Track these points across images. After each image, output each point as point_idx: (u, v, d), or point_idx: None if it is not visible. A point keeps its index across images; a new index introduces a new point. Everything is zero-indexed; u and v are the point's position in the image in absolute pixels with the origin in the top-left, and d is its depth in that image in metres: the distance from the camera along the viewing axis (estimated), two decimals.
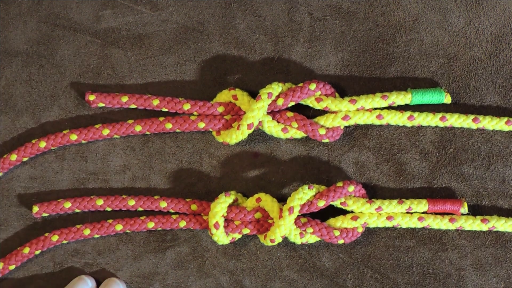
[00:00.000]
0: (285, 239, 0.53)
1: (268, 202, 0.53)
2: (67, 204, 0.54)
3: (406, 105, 0.54)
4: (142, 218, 0.54)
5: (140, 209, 0.54)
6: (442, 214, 0.54)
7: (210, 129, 0.54)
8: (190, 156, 0.55)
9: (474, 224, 0.53)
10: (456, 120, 0.53)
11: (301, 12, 0.55)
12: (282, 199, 0.54)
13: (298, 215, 0.53)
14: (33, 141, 0.54)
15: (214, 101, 0.54)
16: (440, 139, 0.55)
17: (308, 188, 0.52)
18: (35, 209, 0.54)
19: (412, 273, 0.54)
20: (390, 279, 0.54)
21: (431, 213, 0.53)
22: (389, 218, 0.53)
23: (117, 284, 0.54)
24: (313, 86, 0.53)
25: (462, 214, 0.53)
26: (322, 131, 0.53)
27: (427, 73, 0.55)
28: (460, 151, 0.55)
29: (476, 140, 0.55)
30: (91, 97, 0.54)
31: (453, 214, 0.53)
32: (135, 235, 0.55)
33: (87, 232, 0.54)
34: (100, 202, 0.54)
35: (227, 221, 0.53)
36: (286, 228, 0.51)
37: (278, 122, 0.53)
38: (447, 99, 0.54)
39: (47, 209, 0.54)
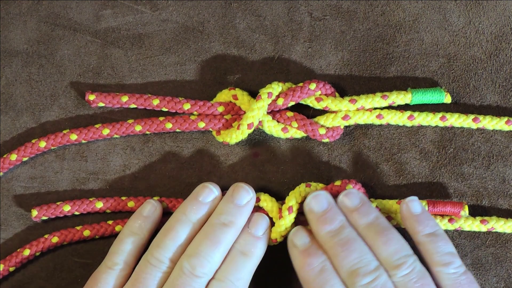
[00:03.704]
0: (285, 239, 0.53)
1: (267, 202, 0.53)
2: (67, 207, 0.54)
3: (406, 104, 0.54)
4: None
5: None
6: (442, 215, 0.53)
7: (210, 129, 0.54)
8: (190, 156, 0.55)
9: (474, 225, 0.53)
10: (456, 120, 0.53)
11: (301, 12, 0.55)
12: (282, 199, 0.54)
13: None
14: (33, 141, 0.54)
15: (214, 101, 0.54)
16: (440, 138, 0.55)
17: (306, 186, 0.52)
18: (34, 212, 0.54)
19: None
20: None
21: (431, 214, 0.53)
22: (388, 218, 0.53)
23: (246, 190, 0.51)
24: (313, 85, 0.53)
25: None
26: (322, 131, 0.53)
27: (427, 73, 0.55)
28: (460, 150, 0.55)
29: (476, 139, 0.55)
30: (91, 97, 0.54)
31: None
32: None
33: (87, 233, 0.54)
34: (99, 204, 0.54)
35: None
36: (287, 228, 0.51)
37: (278, 122, 0.53)
38: (447, 98, 0.54)
39: (46, 212, 0.54)
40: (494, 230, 0.53)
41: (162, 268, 0.48)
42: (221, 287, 0.48)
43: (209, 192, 0.51)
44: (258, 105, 0.52)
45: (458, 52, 0.55)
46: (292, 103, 0.53)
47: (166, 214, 0.54)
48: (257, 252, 0.50)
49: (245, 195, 0.50)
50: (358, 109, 0.53)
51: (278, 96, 0.53)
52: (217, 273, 0.49)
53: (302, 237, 0.50)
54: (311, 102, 0.53)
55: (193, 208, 0.50)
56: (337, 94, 0.54)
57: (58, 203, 0.54)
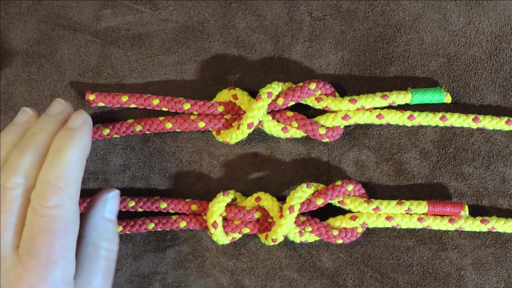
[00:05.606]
0: (285, 238, 0.53)
1: (267, 201, 0.53)
2: None
3: (406, 104, 0.54)
4: (142, 219, 0.54)
5: (140, 209, 0.54)
6: (442, 215, 0.53)
7: (210, 129, 0.54)
8: (190, 156, 0.55)
9: (474, 225, 0.53)
10: (456, 120, 0.53)
11: (301, 12, 0.55)
12: (282, 199, 0.54)
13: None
14: None
15: (214, 101, 0.54)
16: (440, 138, 0.55)
17: (307, 186, 0.52)
18: None
19: (412, 272, 0.54)
20: (390, 279, 0.54)
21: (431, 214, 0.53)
22: (388, 218, 0.53)
23: (58, 101, 0.50)
24: (313, 85, 0.53)
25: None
26: (322, 131, 0.53)
27: (427, 73, 0.55)
28: (460, 150, 0.55)
29: (476, 139, 0.55)
30: (91, 97, 0.54)
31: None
32: (135, 234, 0.55)
33: None
34: None
35: (227, 220, 0.53)
36: (287, 227, 0.51)
37: (278, 121, 0.53)
38: (447, 98, 0.54)
39: None
40: (494, 230, 0.53)
41: None
42: (38, 193, 0.44)
43: (23, 114, 0.49)
44: (258, 105, 0.52)
45: (458, 52, 0.55)
46: (292, 103, 0.53)
47: (165, 213, 0.55)
48: (74, 143, 0.46)
49: (57, 106, 0.49)
50: (358, 109, 0.53)
51: (278, 96, 0.53)
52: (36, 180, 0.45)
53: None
54: (311, 102, 0.53)
55: (6, 130, 0.48)
56: (337, 94, 0.54)
57: None
